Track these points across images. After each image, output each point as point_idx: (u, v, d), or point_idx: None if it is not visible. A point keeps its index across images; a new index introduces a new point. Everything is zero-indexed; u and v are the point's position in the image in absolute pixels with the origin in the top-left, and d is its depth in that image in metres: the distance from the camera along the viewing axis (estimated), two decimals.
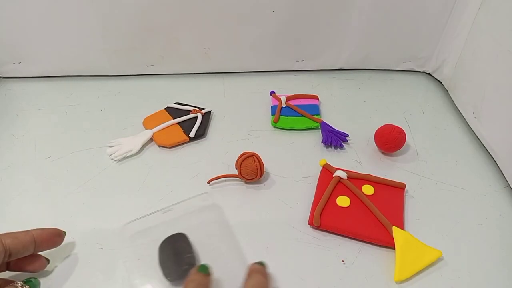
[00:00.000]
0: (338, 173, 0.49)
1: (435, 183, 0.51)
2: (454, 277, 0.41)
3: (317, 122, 0.59)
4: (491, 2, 0.54)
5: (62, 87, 0.66)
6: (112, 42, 0.64)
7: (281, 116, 0.60)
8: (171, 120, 0.58)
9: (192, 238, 0.42)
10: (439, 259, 0.42)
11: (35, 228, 0.39)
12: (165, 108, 0.61)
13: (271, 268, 0.41)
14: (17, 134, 0.58)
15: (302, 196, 0.49)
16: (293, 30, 0.64)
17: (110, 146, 0.55)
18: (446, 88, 0.66)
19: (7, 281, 0.37)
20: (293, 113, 0.60)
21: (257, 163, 0.48)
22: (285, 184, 0.51)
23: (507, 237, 0.45)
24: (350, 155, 0.55)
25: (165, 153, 0.55)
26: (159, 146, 0.56)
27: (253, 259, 0.42)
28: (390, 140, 0.52)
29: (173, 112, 0.60)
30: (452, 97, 0.64)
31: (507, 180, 0.50)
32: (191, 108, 0.61)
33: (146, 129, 0.57)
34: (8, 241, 0.36)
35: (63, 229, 0.42)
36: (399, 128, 0.53)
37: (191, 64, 0.68)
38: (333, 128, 0.57)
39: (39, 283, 0.39)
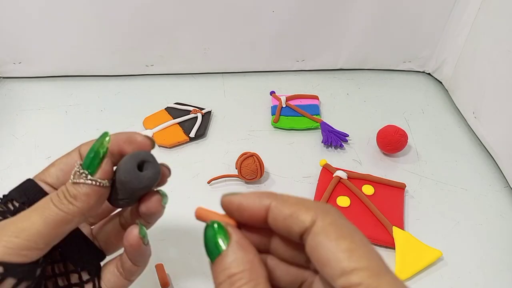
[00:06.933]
0: (338, 173, 0.49)
1: (435, 183, 0.51)
2: (454, 277, 0.41)
3: (317, 122, 0.59)
4: (491, 2, 0.54)
5: (62, 87, 0.66)
6: (112, 42, 0.64)
7: (281, 116, 0.59)
8: (171, 120, 0.58)
9: None
10: (439, 259, 0.42)
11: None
12: (165, 108, 0.61)
13: None
14: (17, 134, 0.57)
15: (302, 196, 0.49)
16: (293, 30, 0.64)
17: None
18: (446, 88, 0.66)
19: None
20: (293, 113, 0.60)
21: (257, 163, 0.48)
22: (285, 184, 0.50)
23: (507, 237, 0.45)
24: (350, 155, 0.55)
25: (165, 153, 0.55)
26: (159, 146, 0.56)
27: None
28: (392, 142, 0.52)
29: (173, 112, 0.60)
30: (452, 97, 0.64)
31: (507, 180, 0.50)
32: (191, 108, 0.61)
33: (146, 129, 0.57)
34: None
35: None
36: (402, 130, 0.53)
37: (191, 64, 0.68)
38: (333, 128, 0.57)
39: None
